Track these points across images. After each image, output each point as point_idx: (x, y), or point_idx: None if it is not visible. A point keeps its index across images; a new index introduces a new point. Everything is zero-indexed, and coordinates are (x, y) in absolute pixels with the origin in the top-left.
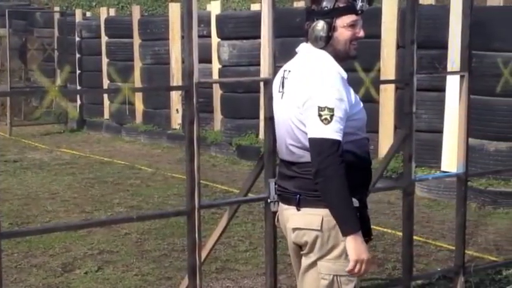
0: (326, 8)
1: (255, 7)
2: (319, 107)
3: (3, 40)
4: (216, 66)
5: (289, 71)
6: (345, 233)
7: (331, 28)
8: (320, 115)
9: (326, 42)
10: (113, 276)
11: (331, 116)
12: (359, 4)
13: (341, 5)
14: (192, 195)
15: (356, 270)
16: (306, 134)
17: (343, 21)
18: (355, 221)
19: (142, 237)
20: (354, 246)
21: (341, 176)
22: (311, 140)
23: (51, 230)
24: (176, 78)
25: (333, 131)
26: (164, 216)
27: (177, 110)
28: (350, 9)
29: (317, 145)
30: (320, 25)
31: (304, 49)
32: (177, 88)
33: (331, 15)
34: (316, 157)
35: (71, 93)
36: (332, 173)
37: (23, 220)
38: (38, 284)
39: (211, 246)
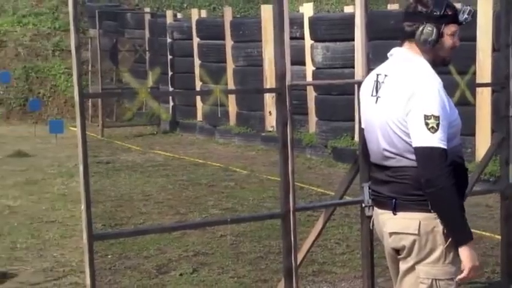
0: (435, 13)
1: (348, 9)
2: (425, 115)
3: (93, 41)
4: (309, 68)
5: (386, 76)
6: (461, 242)
7: (439, 34)
8: (427, 123)
9: (432, 46)
10: (209, 278)
11: (438, 125)
12: (464, 16)
13: (449, 12)
14: (287, 197)
15: (469, 277)
16: (403, 139)
17: (449, 29)
18: (469, 229)
19: (238, 239)
20: (468, 254)
21: (453, 185)
22: (418, 149)
23: (144, 232)
24: (269, 81)
25: (439, 140)
26: (259, 219)
27: (270, 112)
28: (455, 18)
29: (426, 154)
30: (430, 29)
31: (400, 54)
32: (269, 90)
33: (440, 21)
34: (426, 166)
35: (162, 95)
36: (444, 183)
37: (116, 222)
38: (132, 286)
39: (308, 248)
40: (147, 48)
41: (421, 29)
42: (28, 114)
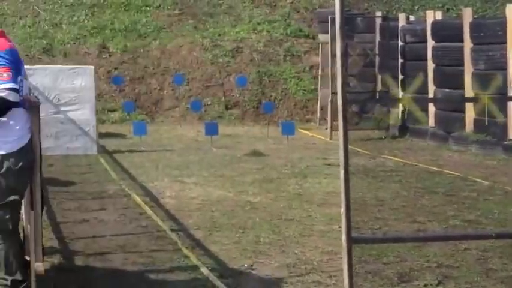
0: None
1: None
2: None
3: (324, 46)
4: None
5: None
6: None
7: None
8: None
9: None
10: None
11: None
12: None
13: None
14: None
15: None
16: None
17: None
18: None
19: (485, 254)
20: None
21: None
22: None
23: (403, 240)
24: None
25: None
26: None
27: None
28: None
29: None
30: None
31: None
32: None
33: None
34: None
35: (424, 101)
36: None
37: (352, 225)
38: None
39: None
40: (377, 52)
41: None
42: (261, 115)
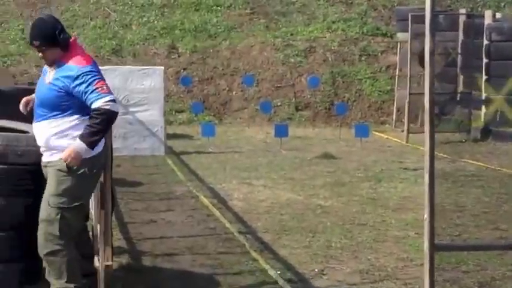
0: None
1: None
2: None
3: (403, 45)
4: None
5: None
6: None
7: None
8: None
9: None
10: None
11: None
12: None
13: None
14: None
15: None
16: None
17: None
18: None
19: None
20: None
21: None
22: None
23: (487, 248)
24: None
25: None
26: None
27: None
28: None
29: None
30: None
31: None
32: None
33: None
34: None
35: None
36: None
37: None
38: None
39: None
40: (459, 51)
41: None
42: (333, 117)
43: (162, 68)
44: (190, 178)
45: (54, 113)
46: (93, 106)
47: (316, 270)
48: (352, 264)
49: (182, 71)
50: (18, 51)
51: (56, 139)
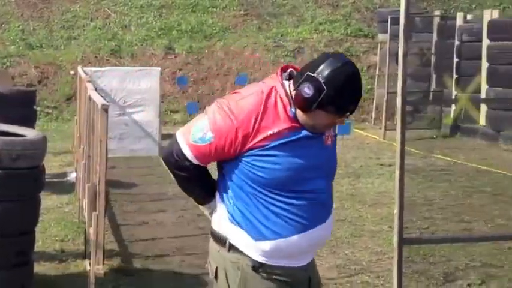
0: None
1: None
2: None
3: (383, 45)
4: None
5: None
6: None
7: None
8: None
9: None
10: None
11: None
12: None
13: None
14: None
15: None
16: None
17: None
18: None
19: None
20: None
21: None
22: None
23: (455, 240)
24: None
25: None
26: None
27: None
28: None
29: None
30: None
31: None
32: None
33: None
34: None
35: (483, 102)
36: None
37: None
38: None
39: None
40: (433, 52)
41: None
42: None
43: (159, 68)
44: None
45: None
46: None
47: None
48: (330, 259)
49: (178, 71)
50: (17, 52)
51: None
